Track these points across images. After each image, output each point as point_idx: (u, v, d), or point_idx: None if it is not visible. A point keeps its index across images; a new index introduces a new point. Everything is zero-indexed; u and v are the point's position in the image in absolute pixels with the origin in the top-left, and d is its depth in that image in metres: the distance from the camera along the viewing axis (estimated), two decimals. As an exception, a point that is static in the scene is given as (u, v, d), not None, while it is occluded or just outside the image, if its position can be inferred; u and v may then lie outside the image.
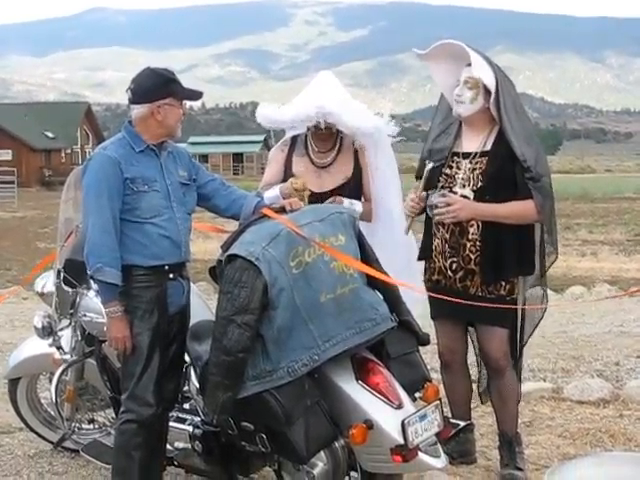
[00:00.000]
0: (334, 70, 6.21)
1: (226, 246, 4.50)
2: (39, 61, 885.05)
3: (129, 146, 4.77)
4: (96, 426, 6.04)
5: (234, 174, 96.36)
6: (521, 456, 5.66)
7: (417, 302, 5.60)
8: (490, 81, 5.32)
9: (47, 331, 5.52)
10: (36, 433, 6.41)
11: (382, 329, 4.54)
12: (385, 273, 4.78)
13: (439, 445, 4.43)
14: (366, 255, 4.75)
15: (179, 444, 5.13)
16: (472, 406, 6.05)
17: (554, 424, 6.68)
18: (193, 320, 5.10)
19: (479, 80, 5.33)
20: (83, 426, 5.99)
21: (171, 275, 4.84)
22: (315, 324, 4.33)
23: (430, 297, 5.58)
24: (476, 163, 5.41)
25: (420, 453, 4.26)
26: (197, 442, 5.00)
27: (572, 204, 41.33)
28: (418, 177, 5.73)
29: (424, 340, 4.81)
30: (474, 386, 6.04)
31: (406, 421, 4.21)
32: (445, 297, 5.26)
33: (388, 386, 4.39)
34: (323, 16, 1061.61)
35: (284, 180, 5.82)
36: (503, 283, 5.40)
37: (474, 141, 5.49)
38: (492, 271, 5.36)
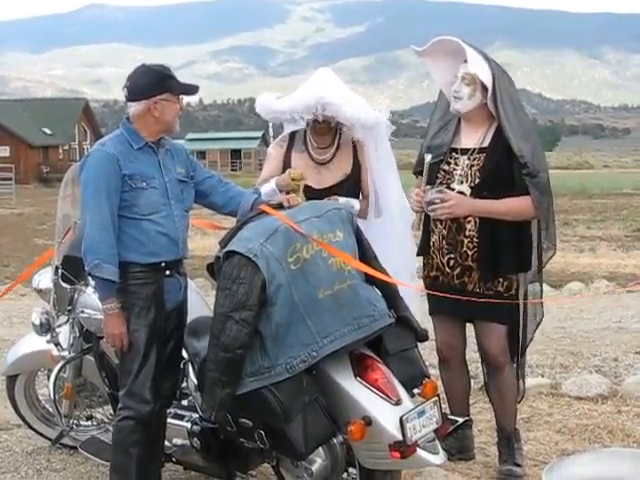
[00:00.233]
0: (331, 66, 6.21)
1: (224, 242, 4.49)
2: (37, 58, 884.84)
3: (127, 143, 4.77)
4: (94, 423, 6.03)
5: (232, 170, 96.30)
6: (519, 452, 5.66)
7: (414, 299, 5.60)
8: (486, 77, 5.31)
9: (45, 328, 5.52)
10: (34, 430, 6.41)
11: (380, 325, 4.53)
12: (383, 270, 4.77)
13: (437, 441, 4.42)
14: (364, 251, 4.74)
15: (177, 441, 5.13)
16: (470, 402, 6.05)
17: (552, 420, 6.69)
18: (191, 317, 5.09)
19: (475, 76, 5.33)
20: (81, 423, 5.99)
21: (168, 272, 4.84)
22: (313, 320, 4.32)
23: (428, 294, 5.58)
24: (474, 159, 5.41)
25: (418, 449, 4.25)
26: (195, 439, 4.99)
27: (570, 200, 41.39)
28: (416, 173, 5.73)
29: (422, 336, 4.81)
30: (472, 382, 6.04)
31: (404, 417, 4.21)
32: (444, 294, 5.27)
33: (386, 382, 4.39)
34: (321, 12, 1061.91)
35: (282, 176, 5.82)
36: (501, 280, 5.40)
37: (472, 137, 5.49)
38: (489, 268, 5.36)
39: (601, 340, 9.49)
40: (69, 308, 5.43)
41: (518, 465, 5.57)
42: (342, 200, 5.67)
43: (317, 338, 4.31)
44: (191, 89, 4.91)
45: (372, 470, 4.49)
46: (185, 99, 4.95)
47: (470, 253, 5.38)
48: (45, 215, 33.46)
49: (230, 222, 5.04)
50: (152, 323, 4.76)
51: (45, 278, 5.91)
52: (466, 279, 5.43)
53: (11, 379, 6.25)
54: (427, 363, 5.00)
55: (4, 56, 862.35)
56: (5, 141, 76.39)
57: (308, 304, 4.32)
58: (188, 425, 5.05)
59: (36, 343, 5.80)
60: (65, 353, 5.52)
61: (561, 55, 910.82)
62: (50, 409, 6.16)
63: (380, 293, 4.71)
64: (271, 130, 6.36)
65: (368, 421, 4.23)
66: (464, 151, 5.47)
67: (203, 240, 20.72)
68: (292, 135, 6.07)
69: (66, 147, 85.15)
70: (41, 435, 6.39)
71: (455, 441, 5.73)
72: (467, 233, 5.38)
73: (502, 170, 5.32)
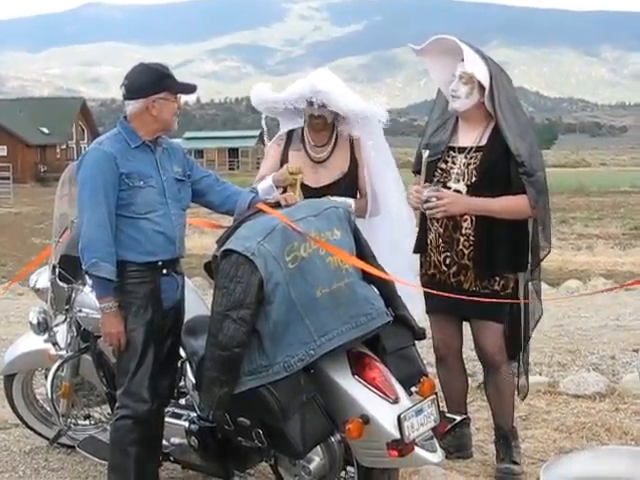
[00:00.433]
0: (329, 65, 6.25)
1: (221, 241, 4.49)
2: (34, 57, 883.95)
3: (125, 141, 4.77)
4: (92, 422, 6.04)
5: (230, 169, 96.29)
6: (517, 450, 5.66)
7: (413, 298, 5.60)
8: (483, 76, 5.31)
9: (43, 327, 5.52)
10: (32, 429, 6.41)
11: (378, 324, 4.53)
12: (381, 268, 4.77)
13: (435, 439, 4.43)
14: (362, 250, 4.74)
15: (175, 440, 5.12)
16: (468, 400, 6.05)
17: (550, 418, 6.69)
18: (189, 315, 5.09)
19: (472, 75, 5.33)
20: (79, 422, 6.00)
21: (165, 271, 4.84)
22: (311, 319, 4.32)
23: (425, 292, 5.58)
24: (471, 158, 5.41)
25: (416, 448, 4.26)
26: (193, 438, 4.99)
27: (567, 198, 41.38)
28: (415, 172, 5.73)
29: (420, 334, 4.81)
30: (470, 380, 6.04)
31: (402, 416, 4.21)
32: (441, 293, 5.27)
33: (384, 381, 4.39)
34: (318, 11, 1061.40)
35: (279, 175, 5.82)
36: (497, 278, 5.40)
37: (470, 136, 5.49)
38: (485, 266, 5.36)
39: (599, 338, 9.50)
40: (67, 307, 5.43)
41: (516, 463, 5.58)
42: (338, 200, 5.67)
43: (315, 337, 4.31)
44: (189, 88, 4.91)
45: (370, 468, 4.50)
46: (183, 98, 4.95)
47: (466, 252, 5.38)
48: (42, 214, 33.39)
49: (228, 221, 5.04)
50: (149, 322, 4.76)
51: (42, 277, 5.90)
52: (462, 277, 5.43)
53: (9, 378, 6.25)
54: (425, 361, 5.00)
55: (1, 55, 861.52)
56: (2, 140, 76.29)
57: (306, 303, 4.32)
58: (186, 424, 5.05)
59: (34, 342, 5.79)
60: (63, 352, 5.51)
61: (558, 53, 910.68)
62: (48, 408, 6.15)
63: (378, 291, 4.72)
64: (264, 122, 6.36)
65: (366, 419, 4.24)
66: (461, 149, 5.47)
67: (201, 239, 20.70)
68: (289, 134, 6.08)
69: (63, 146, 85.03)
70: (39, 434, 6.39)
71: (453, 439, 5.73)
72: (463, 231, 5.38)
73: (499, 169, 5.32)
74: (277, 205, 4.83)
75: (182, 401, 5.24)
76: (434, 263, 5.53)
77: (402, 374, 4.55)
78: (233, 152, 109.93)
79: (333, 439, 4.52)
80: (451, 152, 5.51)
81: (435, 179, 5.48)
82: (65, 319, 5.53)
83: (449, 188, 5.40)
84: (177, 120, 4.91)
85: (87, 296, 5.20)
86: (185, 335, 5.01)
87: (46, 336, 5.53)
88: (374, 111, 5.89)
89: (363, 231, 4.89)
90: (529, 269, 5.53)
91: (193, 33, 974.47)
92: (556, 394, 7.28)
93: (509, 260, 5.39)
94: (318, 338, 4.31)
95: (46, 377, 5.71)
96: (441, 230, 5.45)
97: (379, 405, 4.30)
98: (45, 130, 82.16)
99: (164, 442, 5.10)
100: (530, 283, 5.57)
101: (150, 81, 4.73)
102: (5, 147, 75.79)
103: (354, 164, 5.97)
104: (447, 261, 5.45)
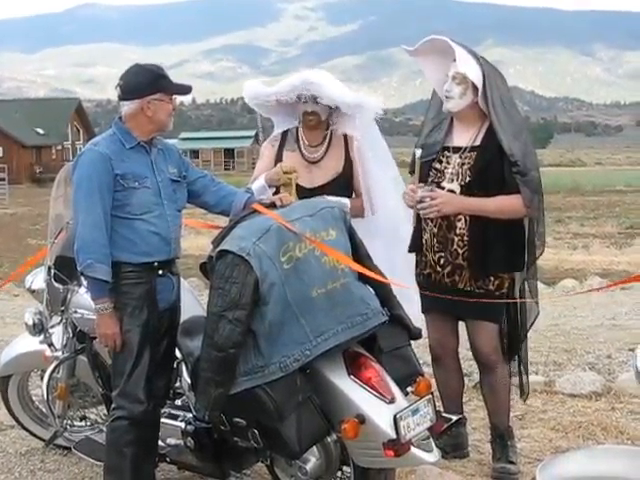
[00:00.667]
0: (324, 65, 6.31)
1: (217, 242, 4.48)
2: (29, 57, 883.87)
3: (120, 142, 4.76)
4: (88, 423, 6.03)
5: (225, 169, 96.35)
6: (513, 450, 5.66)
7: (411, 298, 5.60)
8: (476, 76, 5.30)
9: (38, 328, 5.50)
10: (28, 431, 6.41)
11: (374, 323, 4.53)
12: (376, 268, 4.77)
13: (431, 439, 4.43)
14: (357, 250, 4.74)
15: (171, 440, 5.12)
16: (464, 400, 6.06)
17: (546, 417, 6.69)
18: (184, 316, 5.09)
19: (465, 76, 5.32)
20: (75, 423, 5.98)
21: (160, 271, 4.83)
22: (306, 319, 4.32)
23: (421, 291, 5.59)
24: (465, 158, 5.41)
25: (412, 447, 4.26)
26: (189, 438, 4.99)
27: (563, 197, 41.43)
28: (411, 172, 5.73)
29: (416, 334, 4.81)
30: (466, 380, 6.04)
31: (398, 415, 4.21)
32: (436, 294, 5.27)
33: (380, 381, 4.39)
34: (313, 11, 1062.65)
35: (274, 174, 5.81)
36: (492, 278, 5.40)
37: (464, 136, 5.49)
38: (480, 266, 5.35)
39: (595, 337, 9.50)
40: (62, 308, 5.42)
41: (512, 462, 5.58)
42: (332, 200, 5.66)
43: (311, 337, 4.30)
44: (184, 89, 4.91)
45: (366, 468, 4.50)
46: (178, 98, 4.95)
47: (460, 252, 5.38)
48: (38, 215, 33.40)
49: (223, 221, 5.04)
50: (145, 323, 4.75)
51: (38, 278, 5.90)
52: (457, 278, 5.43)
53: (4, 380, 6.24)
54: (421, 361, 5.00)
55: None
56: (-2, 141, 76.32)
57: (301, 303, 4.32)
58: (182, 425, 5.05)
59: (29, 343, 5.78)
60: (58, 353, 5.50)
61: (553, 52, 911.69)
62: (44, 410, 6.15)
63: (373, 291, 4.71)
64: (259, 120, 6.38)
65: (362, 419, 4.23)
66: (456, 149, 5.47)
67: (196, 239, 20.72)
68: (284, 134, 6.08)
69: (59, 147, 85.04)
70: (35, 436, 6.39)
71: (449, 439, 5.73)
72: (457, 231, 5.37)
73: (493, 169, 5.31)
74: (272, 206, 4.83)
75: (178, 402, 5.24)
76: (429, 263, 5.53)
77: (398, 374, 4.54)
78: (229, 152, 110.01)
79: (329, 439, 4.52)
80: (446, 152, 5.51)
81: (430, 179, 5.48)
82: (61, 320, 5.52)
83: (443, 188, 5.39)
84: (172, 121, 4.90)
85: (82, 297, 5.19)
86: (181, 336, 5.00)
87: (42, 337, 5.52)
88: (367, 101, 5.87)
89: (360, 230, 4.89)
90: (525, 268, 5.53)
91: (188, 33, 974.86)
92: (552, 393, 7.28)
93: (504, 260, 5.39)
94: (314, 338, 4.31)
95: (42, 378, 5.71)
96: (435, 230, 5.45)
97: (375, 405, 4.30)
98: (40, 131, 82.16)
99: (160, 443, 5.09)
100: (526, 282, 5.58)
101: (145, 82, 4.73)
102: (0, 148, 75.79)
103: (349, 164, 5.96)
104: (441, 261, 5.45)
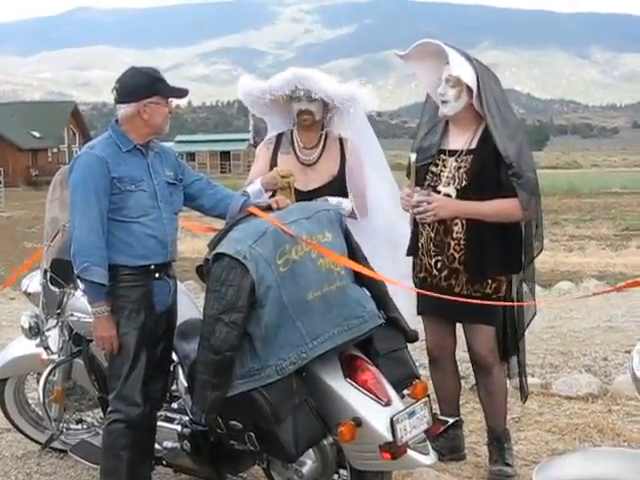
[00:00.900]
0: (320, 67, 6.24)
1: (213, 245, 4.48)
2: (25, 60, 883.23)
3: (116, 145, 4.76)
4: (84, 426, 6.02)
5: (221, 172, 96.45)
6: (510, 452, 5.66)
7: (407, 298, 5.59)
8: (470, 78, 5.30)
9: (34, 331, 5.51)
10: (24, 434, 6.40)
11: (370, 326, 4.53)
12: (372, 270, 4.77)
13: (428, 442, 4.43)
14: (353, 252, 4.74)
15: (168, 443, 5.11)
16: (461, 402, 6.05)
17: (543, 420, 6.69)
18: (181, 319, 5.09)
19: (459, 78, 5.32)
20: (71, 426, 5.98)
21: (157, 274, 4.83)
22: (303, 322, 4.32)
23: (418, 293, 5.58)
24: (461, 161, 5.40)
25: (409, 450, 4.25)
26: (186, 441, 4.99)
27: (559, 199, 41.47)
28: (408, 175, 5.73)
29: (412, 337, 4.81)
30: (463, 382, 6.04)
31: (395, 418, 4.21)
32: (434, 294, 5.26)
33: (376, 383, 4.38)
34: (309, 14, 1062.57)
35: (270, 177, 5.81)
36: (489, 281, 5.39)
37: (460, 139, 5.47)
38: (477, 270, 5.35)
39: (591, 339, 9.50)
40: (58, 311, 5.42)
41: (509, 465, 5.58)
42: (332, 200, 5.67)
43: (307, 339, 4.30)
44: (180, 92, 4.91)
45: (363, 471, 4.49)
46: (174, 102, 4.95)
47: (457, 256, 5.37)
48: (34, 218, 33.37)
49: (220, 224, 5.04)
50: (142, 326, 4.75)
51: (34, 281, 5.89)
52: (453, 281, 5.42)
53: (0, 383, 6.23)
54: (417, 364, 5.01)
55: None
56: (-6, 144, 76.26)
57: (297, 305, 4.32)
58: (178, 428, 5.05)
59: (25, 347, 5.78)
60: (54, 357, 5.50)
61: (549, 55, 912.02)
62: (40, 413, 6.13)
63: (369, 294, 4.71)
64: (251, 121, 6.37)
65: (358, 422, 4.23)
66: (452, 152, 5.46)
67: (193, 242, 20.71)
68: (278, 137, 6.07)
69: (55, 150, 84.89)
70: (31, 439, 6.38)
71: (446, 441, 5.73)
72: (454, 235, 5.37)
73: (489, 172, 5.29)
74: (269, 208, 4.83)
75: (174, 405, 5.23)
76: (425, 266, 5.53)
77: (394, 376, 4.54)
78: (225, 155, 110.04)
79: (326, 442, 4.52)
80: (442, 155, 5.50)
81: (426, 183, 5.48)
82: (57, 323, 5.51)
83: (439, 192, 5.39)
84: (168, 124, 4.90)
85: (79, 300, 5.19)
86: (177, 339, 5.00)
87: (38, 340, 5.52)
88: (360, 93, 5.85)
89: (354, 232, 4.89)
90: (522, 269, 5.53)
91: (184, 36, 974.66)
92: (548, 395, 7.28)
93: (501, 262, 5.38)
94: (310, 341, 4.31)
95: (38, 381, 5.70)
96: (432, 234, 5.44)
97: (371, 408, 4.30)
98: (36, 134, 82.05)
99: (156, 446, 5.08)
100: (524, 284, 5.58)
101: (142, 85, 4.73)
102: (-4, 151, 75.67)
103: (344, 167, 5.95)
104: (438, 265, 5.45)
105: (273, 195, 5.53)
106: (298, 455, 4.37)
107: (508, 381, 5.83)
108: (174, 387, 5.18)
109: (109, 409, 4.88)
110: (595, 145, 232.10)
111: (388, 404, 4.32)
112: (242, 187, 5.70)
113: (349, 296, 4.53)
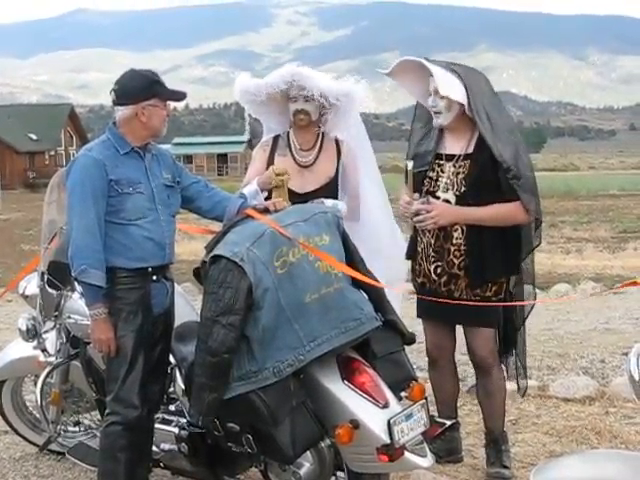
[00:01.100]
0: (317, 70, 6.22)
1: (210, 247, 4.48)
2: (22, 63, 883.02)
3: (114, 148, 4.75)
4: (82, 428, 6.01)
5: (219, 174, 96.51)
6: (507, 454, 5.66)
7: (396, 300, 5.59)
8: (459, 94, 5.25)
9: (32, 333, 5.50)
10: (21, 436, 6.40)
11: (367, 328, 4.53)
12: (369, 273, 4.77)
13: (425, 444, 4.42)
14: (350, 255, 4.74)
15: (165, 445, 5.11)
16: (458, 404, 6.05)
17: (540, 422, 6.69)
18: (178, 321, 5.09)
19: (449, 98, 5.29)
20: (69, 429, 5.97)
21: (154, 277, 4.83)
22: (300, 324, 4.32)
23: (418, 297, 5.58)
24: (459, 167, 5.38)
25: (406, 452, 4.26)
26: (183, 443, 4.98)
27: (556, 202, 41.50)
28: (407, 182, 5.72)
29: (410, 339, 4.81)
30: (460, 384, 6.04)
31: (392, 420, 4.21)
32: (433, 299, 5.26)
33: (374, 385, 4.39)
34: (306, 16, 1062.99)
35: (267, 179, 5.81)
36: (490, 285, 5.39)
37: (457, 144, 5.45)
38: (477, 275, 5.34)
39: (588, 341, 9.50)
40: (56, 314, 5.41)
41: (506, 467, 5.58)
42: (329, 202, 5.66)
43: (304, 342, 4.31)
44: (178, 95, 4.91)
45: (360, 473, 4.49)
46: (172, 104, 4.95)
47: (457, 261, 5.37)
48: (32, 221, 33.33)
49: (217, 226, 5.04)
50: (139, 328, 4.75)
51: (31, 284, 5.88)
52: (452, 287, 5.42)
53: (-2, 385, 6.23)
54: (415, 366, 5.01)
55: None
56: (-9, 147, 76.25)
57: (295, 308, 4.32)
58: (176, 430, 5.04)
59: (23, 349, 5.78)
60: (52, 359, 5.50)
61: (546, 57, 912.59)
62: (37, 415, 6.14)
63: (367, 296, 4.72)
64: (247, 117, 6.36)
65: (356, 424, 4.23)
66: (449, 157, 5.45)
67: (190, 244, 20.69)
68: (275, 139, 6.06)
69: (52, 152, 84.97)
70: (28, 441, 6.38)
71: (443, 444, 5.74)
72: (454, 241, 5.36)
73: (487, 176, 5.28)
74: (266, 211, 4.83)
75: (172, 407, 5.23)
76: (424, 272, 5.52)
77: (392, 379, 4.54)
78: (222, 158, 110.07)
79: (323, 444, 4.52)
80: (438, 160, 5.49)
81: (424, 188, 5.46)
82: (54, 325, 5.51)
83: (438, 197, 5.38)
84: (166, 127, 4.90)
85: (76, 302, 5.18)
86: (175, 341, 5.00)
87: (35, 343, 5.52)
88: (355, 89, 5.84)
89: (351, 235, 4.88)
90: (520, 269, 5.52)
91: (181, 39, 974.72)
92: (546, 398, 7.28)
93: (502, 265, 5.38)
94: (307, 343, 4.31)
95: (35, 384, 5.69)
96: (432, 240, 5.43)
97: (369, 410, 4.30)
98: (34, 136, 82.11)
99: (154, 448, 5.08)
100: (524, 285, 5.58)
101: (140, 87, 4.72)
102: (-7, 154, 75.69)
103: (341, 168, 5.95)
104: (438, 270, 5.44)
105: (269, 195, 5.53)
106: (295, 457, 4.37)
107: (507, 383, 5.83)
108: (171, 389, 5.17)
109: (106, 411, 4.87)
110: (592, 147, 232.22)
111: (385, 406, 4.32)
112: (239, 189, 5.70)
113: (347, 298, 4.53)
